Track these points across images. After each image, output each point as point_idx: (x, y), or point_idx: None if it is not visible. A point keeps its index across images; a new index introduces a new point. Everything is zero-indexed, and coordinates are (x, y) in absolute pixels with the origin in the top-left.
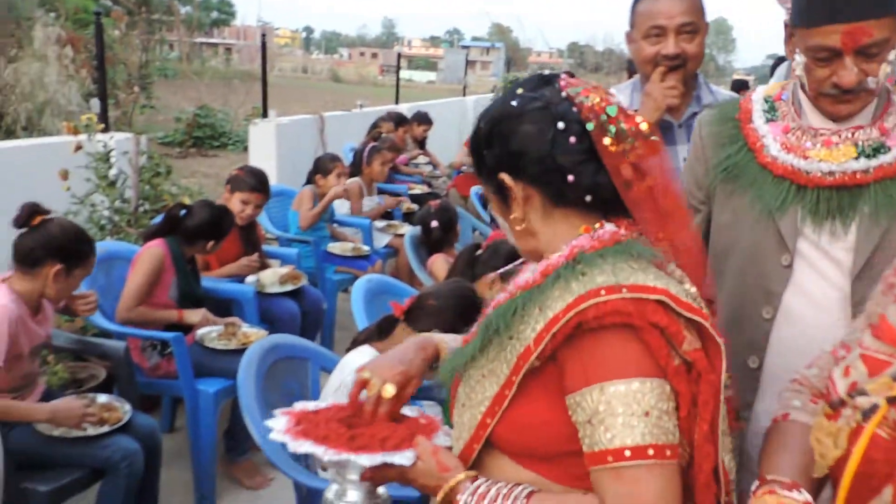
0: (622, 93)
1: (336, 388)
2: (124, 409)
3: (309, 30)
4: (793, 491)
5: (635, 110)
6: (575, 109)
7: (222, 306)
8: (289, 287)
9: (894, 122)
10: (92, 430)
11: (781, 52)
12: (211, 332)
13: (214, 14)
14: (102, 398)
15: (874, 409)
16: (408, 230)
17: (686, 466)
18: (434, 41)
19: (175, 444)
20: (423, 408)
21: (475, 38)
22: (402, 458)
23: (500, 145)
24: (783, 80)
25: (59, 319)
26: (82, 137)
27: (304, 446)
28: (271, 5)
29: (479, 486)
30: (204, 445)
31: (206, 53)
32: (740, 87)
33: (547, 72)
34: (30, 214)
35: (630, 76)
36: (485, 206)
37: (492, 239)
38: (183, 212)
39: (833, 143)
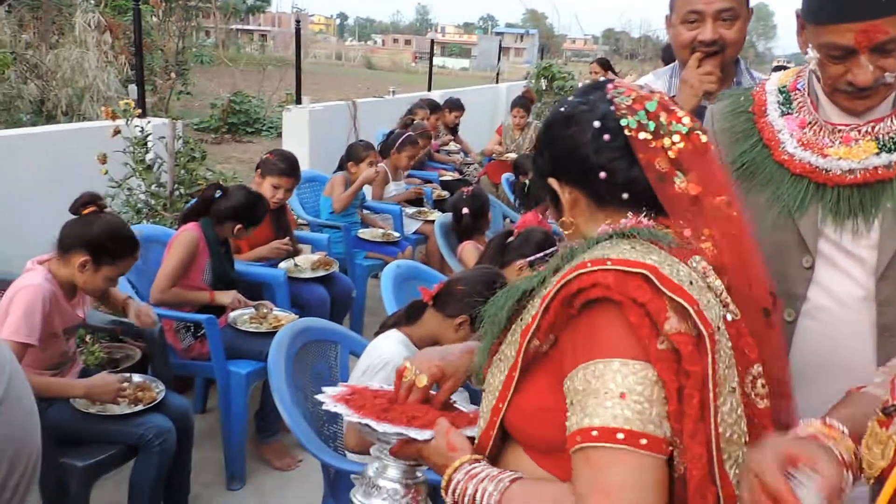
0: (660, 78)
1: (364, 371)
2: (158, 389)
3: (343, 16)
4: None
5: (672, 96)
6: (612, 108)
7: (254, 290)
8: (320, 273)
9: None
10: (126, 409)
11: None
12: (243, 314)
13: (250, 1)
14: (137, 378)
15: None
16: (438, 217)
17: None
18: (468, 28)
19: (207, 424)
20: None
21: (509, 25)
22: (419, 434)
23: (548, 150)
24: None
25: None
26: (120, 122)
27: (337, 407)
28: None
29: (474, 468)
30: (235, 426)
31: (241, 40)
32: None
33: (602, 78)
34: (83, 203)
35: (665, 63)
36: (515, 193)
37: (520, 225)
38: (218, 193)
39: (852, 139)
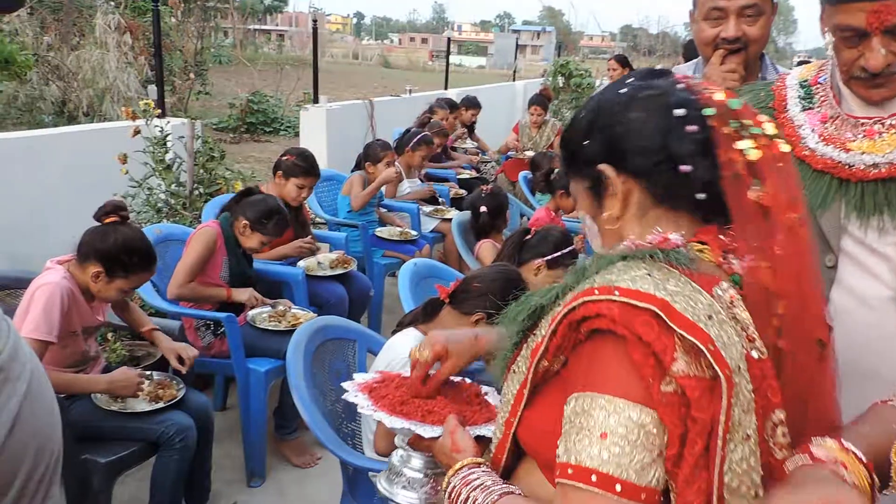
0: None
1: (382, 370)
2: (179, 387)
3: (360, 15)
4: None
5: None
6: (694, 97)
7: (273, 288)
8: (338, 271)
9: None
10: (148, 406)
11: None
12: (262, 313)
13: (268, 1)
14: (158, 375)
15: None
16: (455, 215)
17: None
18: (484, 25)
19: (227, 421)
20: None
21: (526, 22)
22: (425, 430)
23: (603, 134)
24: None
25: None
26: (140, 122)
27: (357, 397)
28: None
29: (470, 473)
30: (254, 423)
31: (259, 40)
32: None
33: (659, 66)
34: (106, 212)
35: (686, 60)
36: (533, 191)
37: (533, 222)
38: (253, 197)
39: (876, 132)
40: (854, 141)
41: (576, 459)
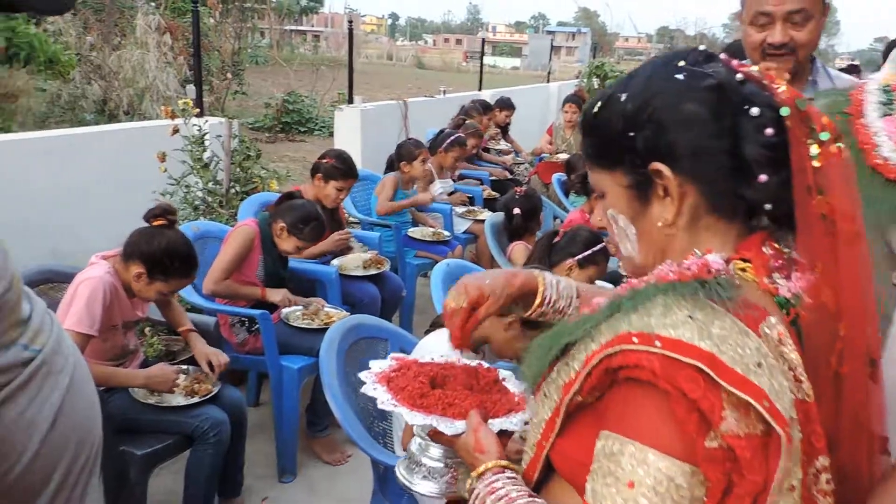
0: None
1: None
2: (214, 382)
3: (394, 16)
4: None
5: None
6: (767, 93)
7: (307, 286)
8: (371, 271)
9: None
10: (183, 400)
11: (892, 34)
12: (295, 311)
13: (304, 2)
14: (194, 370)
15: None
16: (488, 216)
17: None
18: (519, 26)
19: (260, 417)
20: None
21: (561, 23)
22: (446, 426)
23: (656, 127)
24: None
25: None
26: (179, 121)
27: (376, 391)
28: None
29: (496, 480)
30: (287, 420)
31: (295, 41)
32: (851, 72)
33: (702, 47)
34: (156, 214)
35: None
36: (566, 193)
37: (566, 224)
38: (294, 201)
39: None
40: None
41: None
